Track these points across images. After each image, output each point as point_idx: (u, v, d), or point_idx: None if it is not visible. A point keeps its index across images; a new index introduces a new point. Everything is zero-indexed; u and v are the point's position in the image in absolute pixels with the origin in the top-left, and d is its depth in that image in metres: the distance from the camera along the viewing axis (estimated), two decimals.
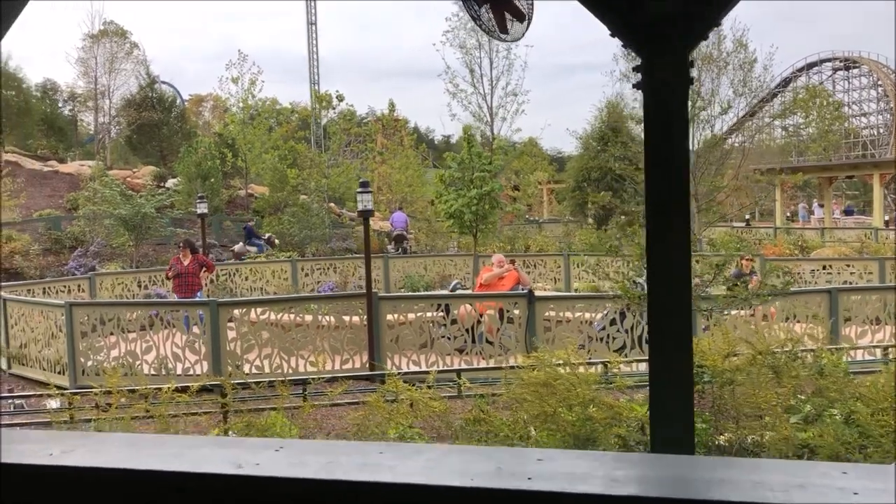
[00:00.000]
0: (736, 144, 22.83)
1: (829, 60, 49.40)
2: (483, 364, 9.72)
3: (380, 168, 30.02)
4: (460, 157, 13.96)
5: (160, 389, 6.92)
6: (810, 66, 48.78)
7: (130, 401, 6.86)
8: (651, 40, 3.63)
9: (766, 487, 1.07)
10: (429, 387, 6.72)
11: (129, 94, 34.12)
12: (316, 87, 46.33)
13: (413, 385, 7.90)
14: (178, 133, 34.34)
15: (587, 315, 10.05)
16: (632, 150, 22.40)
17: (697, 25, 3.60)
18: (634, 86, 3.98)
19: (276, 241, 22.31)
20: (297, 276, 17.16)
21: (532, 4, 4.19)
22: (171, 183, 27.47)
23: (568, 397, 5.04)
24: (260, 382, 7.33)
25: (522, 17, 4.22)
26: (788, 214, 33.73)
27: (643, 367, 8.58)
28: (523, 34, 4.35)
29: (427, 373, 8.46)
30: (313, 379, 7.27)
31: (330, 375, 8.79)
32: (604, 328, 9.84)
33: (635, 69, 3.71)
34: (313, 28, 49.92)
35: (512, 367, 9.44)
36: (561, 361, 6.16)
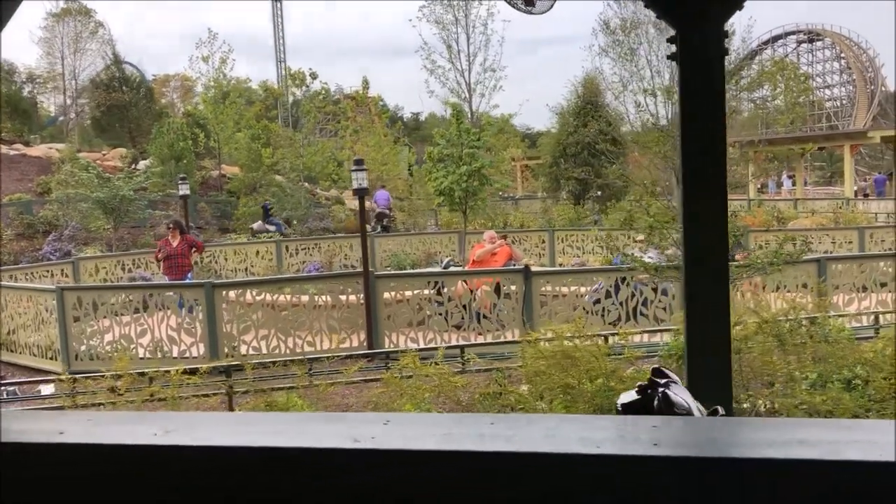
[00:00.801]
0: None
1: (793, 33, 50.07)
2: (480, 339, 9.79)
3: (354, 147, 29.79)
4: (449, 134, 13.94)
5: (168, 372, 6.89)
6: (775, 38, 49.40)
7: (139, 384, 6.83)
8: (687, 11, 3.65)
9: (808, 445, 1.09)
10: (436, 363, 6.77)
11: (96, 74, 33.33)
12: (284, 66, 45.83)
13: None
14: (147, 114, 33.66)
15: (582, 289, 10.16)
16: (612, 126, 22.54)
17: None
18: (669, 57, 4.02)
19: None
20: (281, 257, 17.05)
21: None
22: (142, 165, 26.98)
23: (590, 369, 5.11)
24: (267, 364, 7.29)
25: None
26: (759, 186, 34.27)
27: (641, 338, 8.72)
28: (551, 6, 4.35)
29: (425, 349, 8.55)
30: (328, 357, 7.26)
31: (329, 355, 8.81)
32: (598, 301, 9.95)
33: (669, 40, 3.74)
34: (278, 5, 49.39)
35: (511, 342, 9.61)
36: (575, 334, 6.24)
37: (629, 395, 1.97)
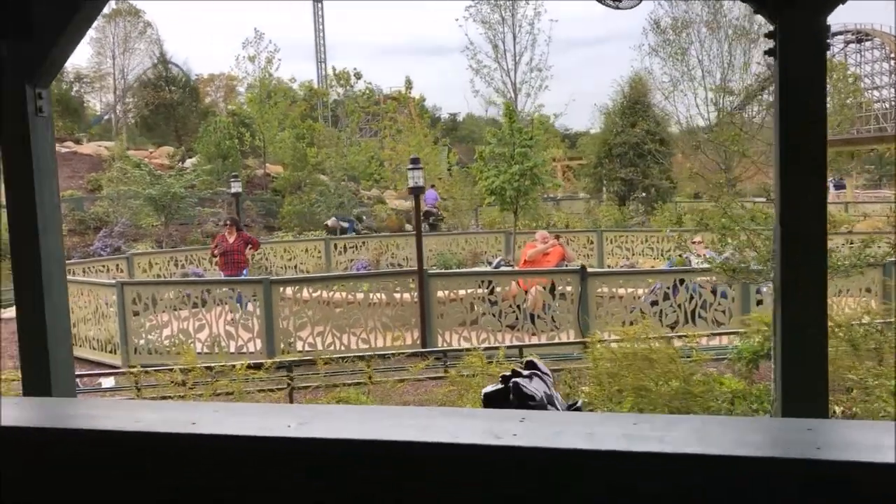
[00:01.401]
0: (756, 119, 22.70)
1: (841, 33, 49.03)
2: (535, 340, 9.72)
3: (396, 147, 29.91)
4: (501, 133, 13.91)
5: (234, 367, 6.95)
6: None
7: (205, 377, 6.89)
8: (787, 4, 3.55)
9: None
10: (499, 362, 6.74)
11: (143, 73, 33.92)
12: (324, 66, 46.17)
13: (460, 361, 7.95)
14: (193, 113, 34.17)
15: (639, 291, 10.03)
16: (660, 125, 22.31)
17: None
18: (766, 53, 3.91)
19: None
20: (330, 254, 17.17)
21: None
22: (188, 163, 27.39)
23: (667, 372, 5.03)
24: (328, 360, 7.30)
25: None
26: None
27: (708, 341, 8.59)
28: (639, 2, 4.29)
29: (479, 349, 8.51)
30: (393, 354, 7.26)
31: (384, 352, 8.83)
32: (656, 303, 9.81)
33: (767, 35, 3.65)
34: (319, 6, 49.78)
35: (566, 343, 9.53)
36: (643, 336, 6.16)
37: (493, 386, 2.01)
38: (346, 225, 21.28)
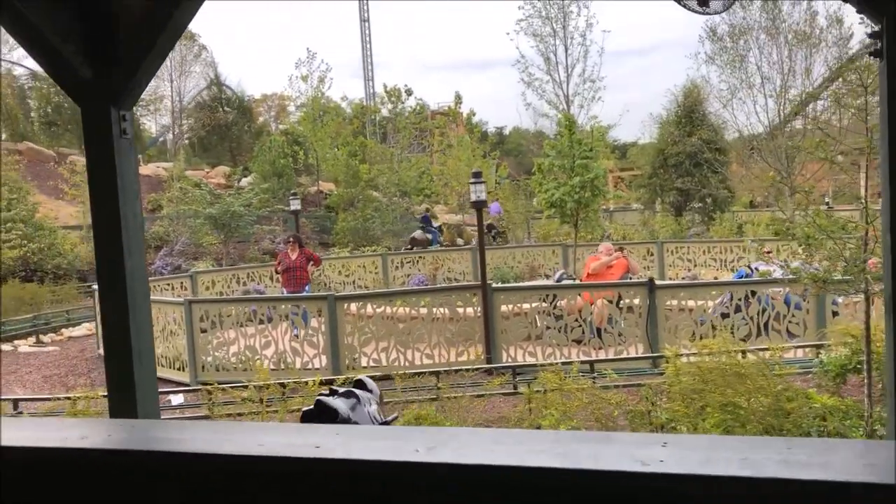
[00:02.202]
0: (810, 126, 22.13)
1: None
2: (602, 355, 9.54)
3: (447, 162, 29.96)
4: (560, 145, 13.79)
5: (306, 383, 6.95)
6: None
7: (277, 394, 6.90)
8: (894, 2, 3.40)
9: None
10: (573, 378, 6.60)
11: (198, 95, 34.69)
12: (371, 83, 46.68)
13: (529, 377, 7.83)
14: (247, 133, 34.79)
15: (709, 303, 9.79)
16: (718, 134, 21.92)
17: None
18: (871, 54, 3.75)
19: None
20: (387, 270, 17.22)
21: None
22: (244, 182, 27.87)
23: (760, 387, 4.85)
24: (402, 375, 7.25)
25: None
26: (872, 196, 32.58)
27: (784, 354, 8.31)
28: (728, 6, 4.17)
29: (545, 364, 8.38)
30: (467, 369, 7.19)
31: (450, 367, 8.76)
32: (727, 315, 9.56)
33: (872, 35, 3.49)
34: (366, 25, 50.35)
35: (635, 358, 9.34)
36: (722, 350, 5.97)
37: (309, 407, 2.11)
38: (430, 236, 21.25)
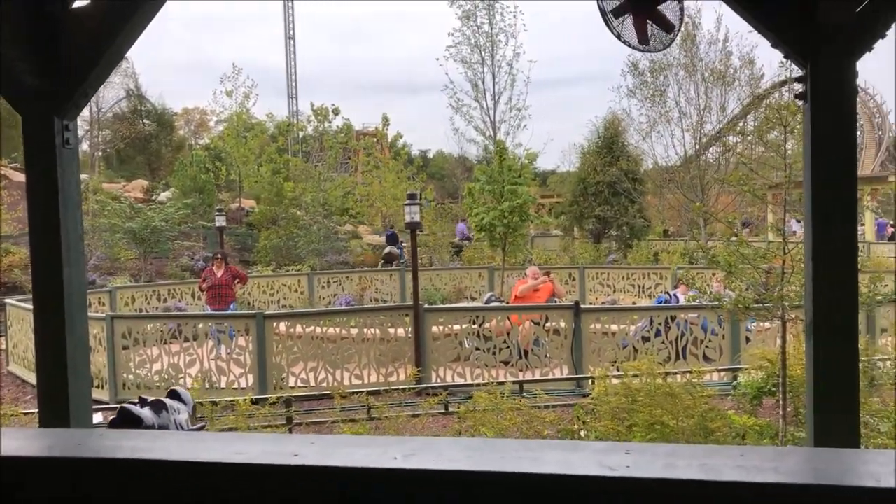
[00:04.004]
0: (722, 160, 23.25)
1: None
2: (529, 376, 9.74)
3: (373, 183, 29.98)
4: (490, 170, 14.08)
5: (236, 401, 6.87)
6: (783, 83, 49.79)
7: (208, 413, 6.79)
8: (818, 50, 3.65)
9: None
10: (506, 397, 6.74)
11: (117, 105, 33.70)
12: (296, 101, 46.35)
13: (459, 397, 7.95)
14: (166, 147, 33.95)
15: (632, 328, 10.14)
16: (637, 165, 22.76)
17: (866, 35, 3.65)
18: (797, 96, 4.04)
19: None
20: (313, 289, 17.07)
21: (682, 12, 4.25)
22: (163, 196, 27.17)
23: (686, 407, 5.09)
24: (344, 395, 7.23)
25: (671, 27, 4.28)
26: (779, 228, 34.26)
27: (712, 377, 8.69)
28: (667, 45, 4.43)
29: (473, 385, 8.52)
30: (403, 390, 7.22)
31: (378, 388, 8.78)
32: (648, 339, 9.92)
33: (798, 80, 3.77)
34: (291, 42, 50.08)
35: (561, 379, 9.58)
36: (646, 372, 6.23)
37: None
38: (399, 251, 21.13)
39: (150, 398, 2.24)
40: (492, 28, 24.72)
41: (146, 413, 2.09)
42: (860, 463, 1.33)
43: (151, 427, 2.11)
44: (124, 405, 2.12)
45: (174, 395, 2.29)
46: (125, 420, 2.04)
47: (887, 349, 10.00)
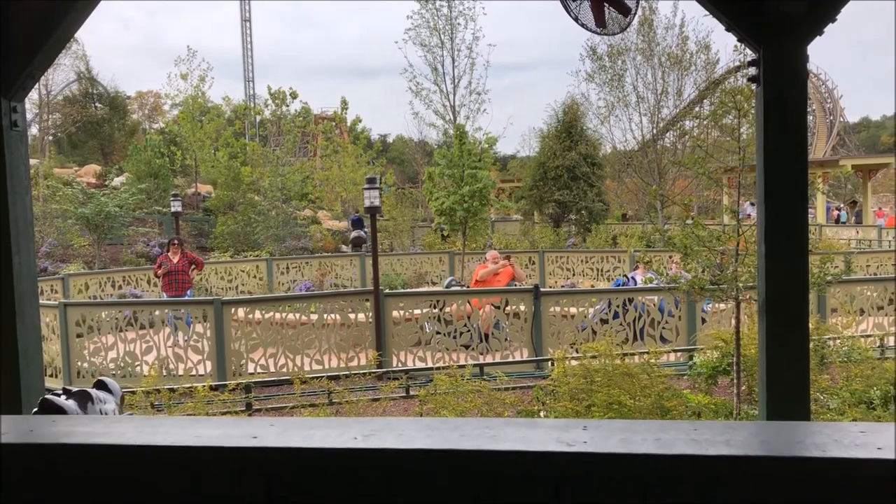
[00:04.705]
0: (679, 145, 23.57)
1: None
2: (489, 359, 9.80)
3: (332, 168, 29.74)
4: (450, 154, 14.04)
5: (195, 388, 6.80)
6: (737, 68, 50.59)
7: (167, 399, 6.72)
8: (770, 34, 3.71)
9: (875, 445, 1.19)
10: (467, 380, 6.78)
11: (67, 88, 32.83)
12: (252, 85, 45.66)
13: (419, 381, 7.97)
14: (119, 131, 33.20)
15: (590, 310, 10.25)
16: (595, 149, 22.93)
17: (817, 19, 3.72)
18: (749, 80, 4.10)
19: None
20: (272, 275, 16.91)
21: None
22: (117, 181, 26.60)
23: (643, 387, 5.18)
24: (304, 380, 7.19)
25: (627, 10, 4.31)
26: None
27: (667, 358, 8.84)
28: (624, 28, 4.45)
29: (433, 368, 8.56)
30: (363, 374, 7.21)
31: (341, 373, 8.76)
32: (606, 321, 10.05)
33: (751, 63, 3.83)
34: (247, 25, 49.28)
35: (521, 361, 9.66)
36: (605, 353, 6.31)
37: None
38: (365, 234, 20.88)
39: (75, 389, 2.19)
40: (451, 11, 24.64)
41: (69, 404, 2.04)
42: (807, 435, 1.37)
43: (74, 413, 2.07)
44: (46, 396, 2.07)
45: (101, 385, 2.24)
46: (47, 411, 2.00)
47: (837, 328, 10.31)
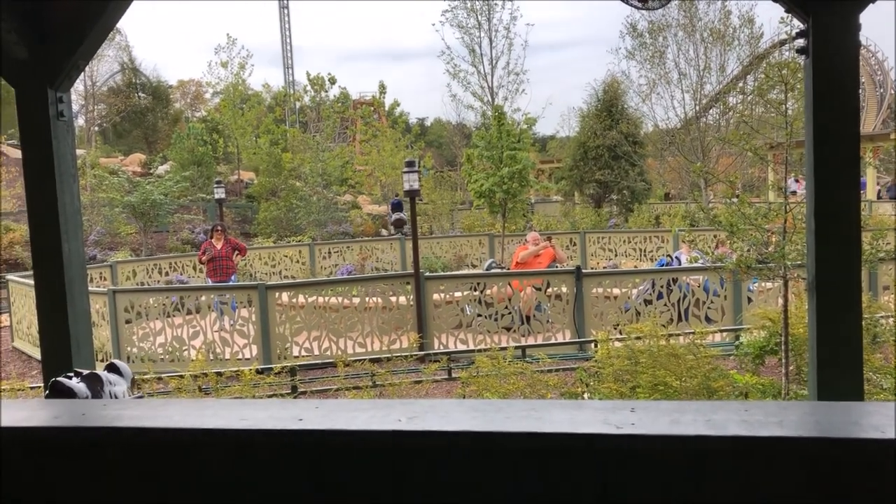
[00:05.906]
0: (722, 122, 23.09)
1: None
2: (531, 341, 9.77)
3: (371, 152, 29.83)
4: (489, 136, 13.96)
5: (241, 371, 6.90)
6: (783, 42, 49.28)
7: (214, 383, 6.82)
8: (819, 3, 3.58)
9: None
10: (509, 362, 6.76)
11: (111, 79, 33.44)
12: (291, 71, 45.92)
13: (461, 363, 7.96)
14: (163, 120, 33.74)
15: (634, 291, 10.14)
16: (637, 128, 22.58)
17: None
18: (798, 51, 3.97)
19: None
20: (314, 260, 17.09)
21: None
22: (161, 170, 27.07)
23: (689, 368, 5.11)
24: (358, 361, 7.27)
25: None
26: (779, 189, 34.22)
27: (713, 338, 8.70)
28: (665, 3, 4.36)
29: (475, 351, 8.55)
30: (406, 357, 7.25)
31: (381, 356, 8.81)
32: (650, 302, 9.92)
33: (798, 34, 3.70)
34: (286, 13, 49.49)
35: (563, 343, 9.61)
36: (651, 334, 6.24)
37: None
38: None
39: (86, 371, 2.23)
40: None
41: (80, 386, 2.08)
42: (863, 415, 1.33)
43: (87, 397, 2.11)
44: (57, 378, 2.11)
45: (112, 368, 2.28)
46: (57, 393, 2.04)
47: (889, 306, 10.04)
